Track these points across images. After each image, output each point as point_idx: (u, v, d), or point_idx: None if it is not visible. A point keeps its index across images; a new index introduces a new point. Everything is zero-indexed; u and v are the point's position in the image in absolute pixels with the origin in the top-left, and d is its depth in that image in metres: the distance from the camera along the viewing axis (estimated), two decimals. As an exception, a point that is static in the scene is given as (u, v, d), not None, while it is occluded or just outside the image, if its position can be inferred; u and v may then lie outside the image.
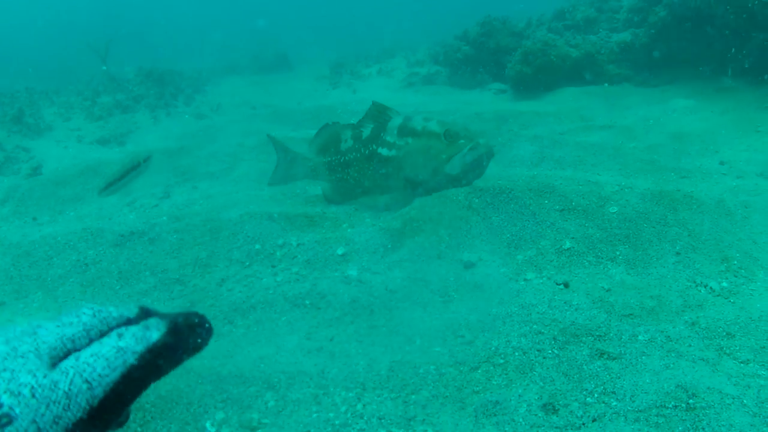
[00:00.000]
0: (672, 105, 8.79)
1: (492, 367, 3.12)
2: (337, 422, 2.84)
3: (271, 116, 11.27)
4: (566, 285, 3.95)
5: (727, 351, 3.16)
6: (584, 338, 3.29)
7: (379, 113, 5.34)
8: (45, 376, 0.82)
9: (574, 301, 3.69)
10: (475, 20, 13.14)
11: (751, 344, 3.20)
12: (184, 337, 0.96)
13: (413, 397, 2.96)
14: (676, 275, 4.02)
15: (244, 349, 3.51)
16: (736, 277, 3.99)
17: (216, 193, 6.62)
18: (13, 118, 10.41)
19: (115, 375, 0.86)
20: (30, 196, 7.36)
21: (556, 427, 2.70)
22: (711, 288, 3.86)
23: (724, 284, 3.89)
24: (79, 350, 0.89)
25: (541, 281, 4.04)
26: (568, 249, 4.35)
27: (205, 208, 5.79)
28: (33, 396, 0.79)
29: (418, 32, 21.39)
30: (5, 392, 0.78)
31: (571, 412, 2.76)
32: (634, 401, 2.78)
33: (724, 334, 3.30)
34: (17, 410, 0.77)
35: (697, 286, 3.90)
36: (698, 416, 2.64)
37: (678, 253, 4.24)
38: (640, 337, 3.29)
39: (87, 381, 0.83)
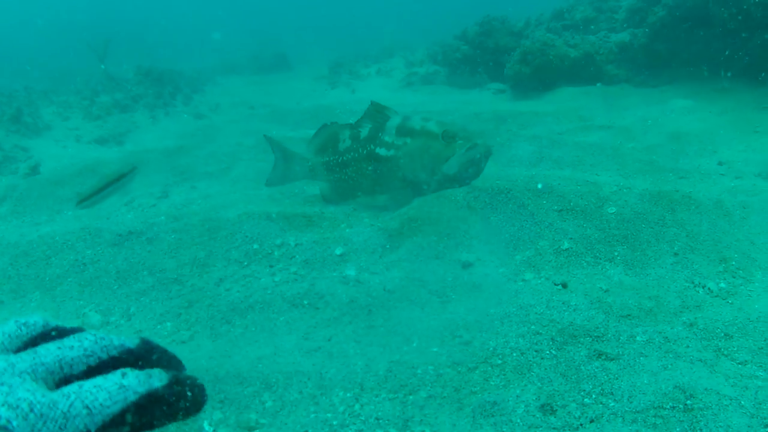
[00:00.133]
0: (670, 105, 8.79)
1: (490, 368, 3.12)
2: (335, 423, 2.84)
3: (270, 116, 11.27)
4: (564, 285, 3.95)
5: (725, 352, 3.16)
6: (582, 339, 3.29)
7: (377, 113, 5.33)
8: (44, 395, 0.82)
9: (572, 301, 3.69)
10: (474, 20, 13.15)
11: (749, 345, 3.20)
12: (183, 396, 0.98)
13: (411, 397, 2.96)
14: (674, 276, 4.02)
15: (242, 349, 3.51)
16: (734, 277, 3.99)
17: (214, 193, 6.61)
18: (12, 118, 10.40)
19: (115, 408, 0.87)
20: (28, 196, 7.35)
21: (554, 428, 2.70)
22: (709, 289, 3.86)
23: (722, 285, 3.90)
24: (76, 375, 0.91)
25: (539, 282, 4.04)
26: (566, 249, 4.35)
27: (204, 207, 5.78)
28: (31, 411, 0.79)
29: (416, 32, 21.40)
30: (3, 405, 0.78)
31: (569, 412, 2.76)
32: (631, 402, 2.78)
33: (722, 335, 3.31)
34: (14, 423, 0.78)
35: (695, 286, 3.90)
36: (696, 417, 2.64)
37: (676, 254, 4.24)
38: (638, 338, 3.29)
39: (87, 407, 0.84)
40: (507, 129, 8.29)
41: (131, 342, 0.99)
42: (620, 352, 3.16)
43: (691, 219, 4.62)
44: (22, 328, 0.98)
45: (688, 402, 2.72)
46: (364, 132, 5.38)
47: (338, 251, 4.48)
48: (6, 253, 5.04)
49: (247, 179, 7.07)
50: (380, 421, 2.82)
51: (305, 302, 3.89)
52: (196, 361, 3.39)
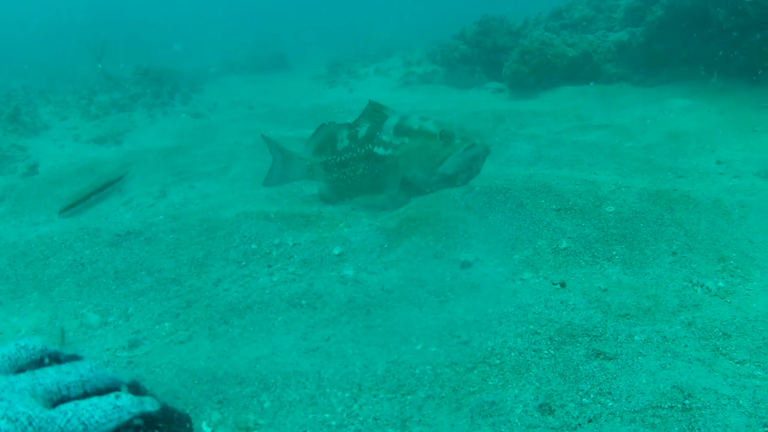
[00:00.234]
0: (669, 104, 8.79)
1: (488, 368, 3.12)
2: (333, 423, 2.84)
3: (268, 115, 11.27)
4: (563, 285, 3.95)
5: (724, 351, 3.16)
6: (580, 338, 3.29)
7: (375, 112, 5.33)
8: (42, 411, 0.83)
9: (571, 301, 3.69)
10: (473, 19, 13.15)
11: (748, 344, 3.20)
12: (173, 420, 1.00)
13: (409, 397, 2.96)
14: (673, 275, 4.02)
15: (240, 349, 3.51)
16: (732, 276, 3.99)
17: (212, 193, 6.61)
18: (10, 117, 10.40)
19: (110, 425, 0.89)
20: (26, 196, 7.35)
21: (552, 428, 2.70)
22: (707, 288, 3.86)
23: (721, 284, 3.89)
24: (73, 398, 0.93)
25: (537, 281, 4.04)
26: (564, 249, 4.34)
27: (202, 207, 5.78)
28: (30, 424, 0.80)
29: (415, 31, 21.39)
30: (3, 417, 0.79)
31: (567, 412, 2.76)
32: (630, 402, 2.77)
33: (721, 334, 3.30)
34: None
35: (693, 285, 3.90)
36: (694, 417, 2.64)
37: (674, 253, 4.24)
38: (636, 338, 3.29)
39: (83, 423, 0.86)
40: (505, 128, 8.29)
41: (125, 377, 1.04)
42: (618, 352, 3.16)
43: (690, 218, 4.62)
44: (22, 351, 1.00)
45: (687, 401, 2.72)
46: (362, 132, 5.38)
47: (336, 251, 4.48)
48: (4, 254, 5.04)
49: (245, 179, 7.06)
50: (378, 421, 2.82)
51: (303, 302, 3.89)
52: (194, 361, 3.39)
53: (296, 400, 3.01)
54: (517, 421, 2.74)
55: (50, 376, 0.94)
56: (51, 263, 4.83)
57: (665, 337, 3.29)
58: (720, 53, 8.94)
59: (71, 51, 18.76)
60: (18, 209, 6.96)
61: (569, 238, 4.44)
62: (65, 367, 0.97)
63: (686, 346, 3.21)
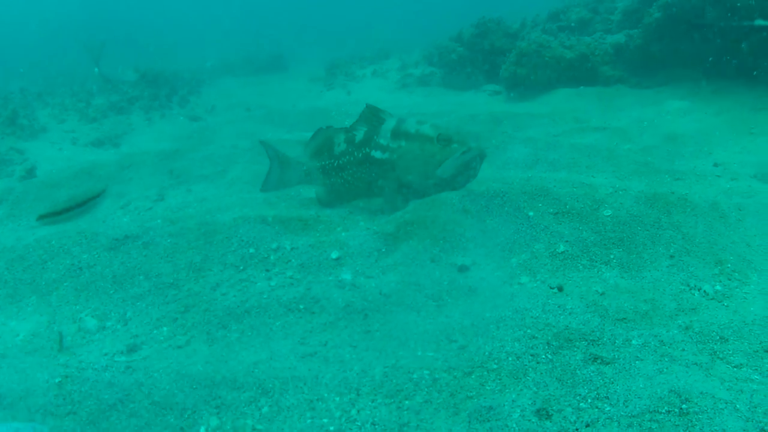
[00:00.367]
0: (666, 106, 8.81)
1: (486, 372, 3.12)
2: (331, 428, 2.84)
3: (266, 118, 11.27)
4: (560, 289, 3.95)
5: (721, 355, 3.17)
6: (578, 343, 3.30)
7: (372, 116, 5.34)
8: None
9: (568, 305, 3.69)
10: (470, 21, 13.16)
11: (745, 348, 3.21)
12: None
13: (407, 402, 2.96)
14: (670, 279, 4.03)
15: (238, 354, 3.51)
16: (729, 280, 4.00)
17: (210, 196, 6.61)
18: (7, 120, 10.39)
19: None
20: (24, 199, 7.34)
21: (550, 433, 2.71)
22: (705, 291, 3.86)
23: (718, 288, 3.90)
24: None
25: (535, 285, 4.05)
26: (562, 252, 4.35)
27: (200, 211, 5.78)
28: None
29: (412, 33, 21.41)
30: None
31: (565, 417, 2.77)
32: (627, 406, 2.78)
33: (718, 338, 3.31)
34: None
35: (690, 289, 3.91)
36: (691, 421, 2.65)
37: (672, 257, 4.24)
38: (633, 342, 3.30)
39: None
40: (502, 131, 8.29)
41: None
42: (616, 356, 3.17)
43: (687, 221, 4.63)
44: None
45: (684, 406, 2.73)
46: (360, 135, 5.38)
47: (334, 255, 4.48)
48: (2, 258, 5.03)
49: (242, 182, 7.06)
50: (376, 426, 2.82)
51: (301, 307, 3.89)
52: (192, 366, 3.39)
53: (294, 405, 3.01)
54: (514, 425, 2.75)
55: None
56: (49, 267, 4.82)
57: (662, 341, 3.30)
58: (725, 53, 8.94)
59: (69, 53, 18.76)
60: (16, 212, 6.95)
61: (567, 241, 4.45)
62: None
63: (683, 350, 3.22)
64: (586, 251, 4.35)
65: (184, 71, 16.36)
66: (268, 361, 3.38)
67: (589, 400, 2.85)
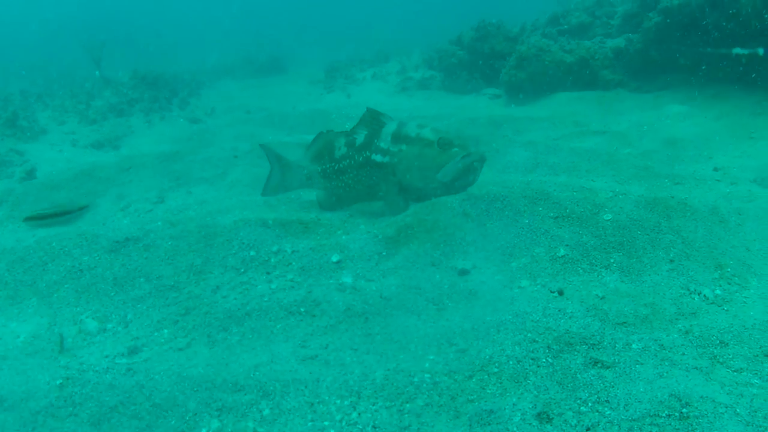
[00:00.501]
0: (666, 111, 8.82)
1: (486, 376, 3.13)
2: (332, 431, 2.85)
3: (266, 120, 11.28)
4: (560, 293, 3.96)
5: (721, 359, 3.18)
6: (578, 347, 3.30)
7: (373, 119, 5.35)
8: None
9: (569, 309, 3.70)
10: (470, 25, 13.18)
11: (745, 353, 3.22)
12: None
13: (408, 405, 2.96)
14: (670, 283, 4.04)
15: (239, 356, 3.51)
16: (729, 284, 4.01)
17: (210, 199, 6.62)
18: (7, 122, 10.40)
19: None
20: (24, 201, 7.35)
21: (551, 437, 2.71)
22: (705, 296, 3.87)
23: (718, 292, 3.91)
24: None
25: (535, 289, 4.05)
26: (562, 256, 4.36)
27: (200, 213, 5.79)
28: None
29: (412, 36, 21.45)
30: None
31: (565, 421, 2.77)
32: (627, 410, 2.79)
33: (718, 342, 3.32)
34: None
35: (690, 293, 3.92)
36: (692, 425, 2.65)
37: (672, 261, 4.25)
38: (633, 346, 3.30)
39: None
40: (502, 134, 8.31)
41: None
42: (616, 360, 3.17)
43: (687, 225, 4.64)
44: None
45: (684, 410, 2.74)
46: (360, 139, 5.40)
47: (335, 258, 4.49)
48: (2, 259, 5.04)
49: (242, 184, 7.07)
50: (377, 429, 2.83)
51: (302, 310, 3.90)
52: (193, 368, 3.40)
53: (295, 408, 3.02)
54: (515, 429, 2.75)
55: None
56: (50, 269, 4.82)
57: (663, 345, 3.30)
58: (725, 58, 8.95)
59: (69, 54, 18.77)
60: (16, 214, 6.95)
61: (567, 245, 4.45)
62: None
63: (684, 354, 3.23)
64: (587, 255, 4.36)
65: (184, 73, 16.38)
66: (269, 364, 3.38)
67: (590, 404, 2.86)
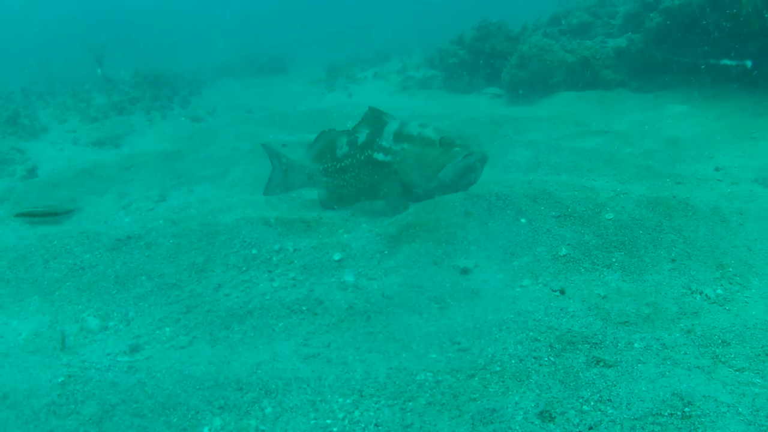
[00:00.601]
0: (667, 110, 8.83)
1: (489, 375, 3.13)
2: (334, 429, 2.85)
3: (267, 119, 11.28)
4: (562, 292, 3.96)
5: (723, 359, 3.18)
6: (580, 345, 3.30)
7: (375, 118, 5.35)
8: None
9: (570, 308, 3.70)
10: (471, 24, 13.18)
11: (747, 352, 3.22)
12: None
13: (410, 404, 2.96)
14: (672, 282, 4.04)
15: (241, 354, 3.51)
16: (731, 284, 4.01)
17: (212, 197, 6.62)
18: (9, 120, 10.41)
19: None
20: (25, 199, 7.35)
21: (553, 435, 2.71)
22: (706, 295, 3.87)
23: (720, 291, 3.91)
24: None
25: (537, 288, 4.05)
26: (564, 255, 4.36)
27: (201, 212, 5.79)
28: None
29: (413, 36, 21.45)
30: None
31: (568, 419, 2.77)
32: (630, 409, 2.79)
33: (720, 341, 3.32)
34: None
35: (692, 293, 3.92)
36: (694, 424, 2.65)
37: (673, 260, 4.25)
38: (635, 345, 3.30)
39: None
40: (504, 134, 8.31)
41: None
42: (618, 359, 3.17)
43: (689, 225, 4.64)
44: None
45: (686, 409, 2.74)
46: (362, 138, 5.40)
47: (336, 257, 4.49)
48: (4, 257, 5.04)
49: (244, 183, 7.08)
50: (380, 427, 2.83)
51: (304, 308, 3.90)
52: (195, 366, 3.39)
53: (297, 406, 3.02)
54: (517, 428, 2.75)
55: None
56: (51, 267, 4.83)
57: (665, 344, 3.30)
58: (726, 58, 8.95)
59: (70, 53, 18.77)
60: (17, 212, 6.95)
61: (569, 245, 4.45)
62: None
63: (686, 353, 3.23)
64: (588, 254, 4.36)
65: (185, 72, 16.38)
66: (271, 362, 3.38)
67: (592, 403, 2.86)
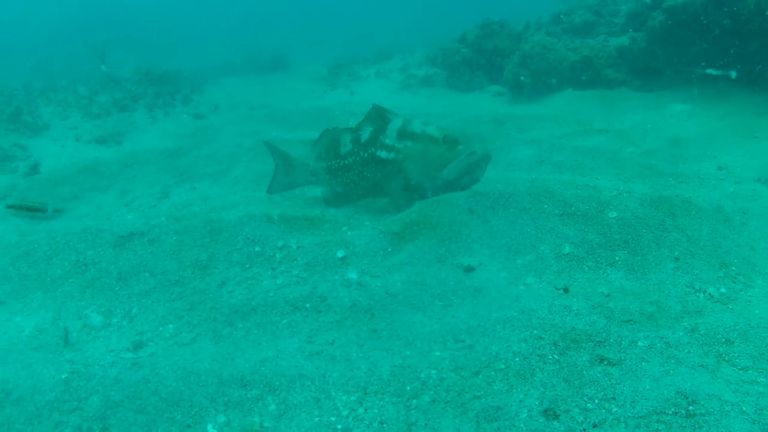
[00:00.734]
0: (669, 109, 8.82)
1: (493, 372, 3.13)
2: (339, 426, 2.85)
3: (269, 117, 11.28)
4: (566, 290, 3.96)
5: (726, 357, 3.18)
6: (584, 344, 3.30)
7: (378, 116, 5.35)
8: None
9: (574, 306, 3.70)
10: (473, 23, 13.17)
11: (750, 351, 3.22)
12: None
13: (414, 401, 2.97)
14: (675, 281, 4.04)
15: (245, 352, 3.51)
16: (734, 283, 4.01)
17: (214, 194, 6.62)
18: (11, 116, 10.41)
19: None
20: (28, 196, 7.35)
21: (557, 433, 2.71)
22: (710, 294, 3.87)
23: (723, 290, 3.91)
24: None
25: (540, 286, 4.05)
26: (567, 254, 4.36)
27: (204, 209, 5.79)
28: None
29: (416, 34, 21.43)
30: None
31: (572, 417, 2.77)
32: (634, 407, 2.79)
33: (723, 340, 3.32)
34: None
35: (695, 292, 3.91)
36: (698, 423, 2.65)
37: (677, 259, 4.25)
38: (639, 343, 3.30)
39: None
40: (506, 132, 8.31)
41: None
42: (622, 357, 3.17)
43: (692, 224, 4.64)
44: None
45: (690, 408, 2.74)
46: (365, 135, 5.40)
47: (340, 254, 4.49)
48: (7, 253, 5.04)
49: (246, 180, 7.08)
50: (384, 425, 2.83)
51: (307, 305, 3.90)
52: (199, 363, 3.40)
53: (302, 403, 3.02)
54: (522, 425, 2.75)
55: None
56: (54, 263, 4.83)
57: (668, 343, 3.30)
58: (728, 57, 8.95)
59: (72, 51, 18.77)
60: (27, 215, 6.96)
61: (572, 243, 4.45)
62: None
63: (689, 352, 3.22)
64: (592, 253, 4.36)
65: (187, 70, 16.37)
66: (275, 359, 3.39)
67: (596, 401, 2.86)
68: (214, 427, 2.91)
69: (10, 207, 6.62)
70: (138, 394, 3.14)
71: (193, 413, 2.99)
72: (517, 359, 3.21)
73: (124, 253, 4.84)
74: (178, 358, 3.51)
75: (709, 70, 8.94)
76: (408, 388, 3.06)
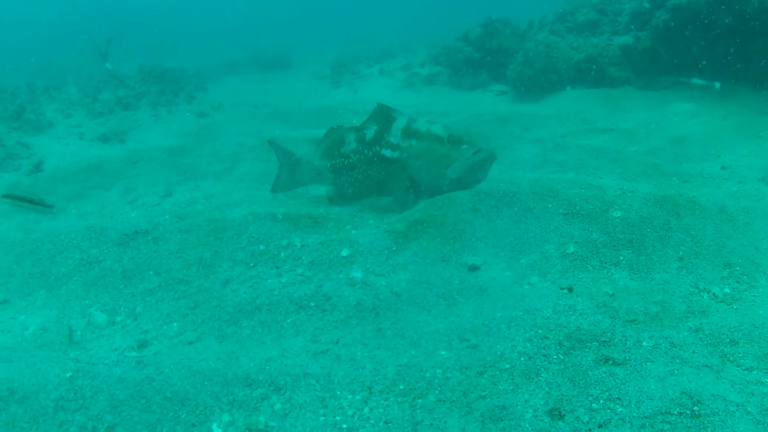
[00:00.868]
0: (673, 109, 8.81)
1: (498, 372, 3.13)
2: (344, 426, 2.85)
3: (272, 115, 11.29)
4: (570, 289, 3.96)
5: (731, 358, 3.18)
6: (589, 344, 3.30)
7: (383, 115, 5.35)
8: None
9: (579, 305, 3.70)
10: (477, 22, 13.17)
11: (755, 351, 3.21)
12: None
13: (420, 401, 2.97)
14: (680, 281, 4.03)
15: (249, 350, 3.52)
16: (738, 283, 4.01)
17: (218, 193, 6.62)
18: (14, 114, 10.41)
19: None
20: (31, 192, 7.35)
21: (562, 433, 2.71)
22: (714, 294, 3.87)
23: (727, 290, 3.91)
24: None
25: (545, 285, 4.05)
26: (571, 253, 4.36)
27: (208, 207, 5.79)
28: None
29: (419, 33, 21.44)
30: None
31: (577, 417, 2.77)
32: (639, 407, 2.79)
33: (728, 340, 3.32)
34: None
35: (700, 291, 3.91)
36: (703, 423, 2.65)
37: (681, 259, 4.25)
38: (644, 343, 3.30)
39: None
40: (510, 131, 8.31)
41: None
42: (627, 357, 3.17)
43: (696, 224, 4.63)
44: None
45: (695, 408, 2.73)
46: (370, 134, 5.40)
47: (344, 253, 4.49)
48: (11, 252, 5.05)
49: (250, 179, 7.08)
50: (389, 424, 2.83)
51: (312, 304, 3.90)
52: (203, 362, 3.40)
53: (307, 403, 3.02)
54: (527, 425, 2.75)
55: None
56: (58, 262, 4.84)
57: (673, 343, 3.30)
58: (732, 56, 8.94)
59: (76, 48, 18.78)
60: (23, 207, 6.96)
61: (576, 242, 4.45)
62: None
63: (694, 352, 3.22)
64: (596, 252, 4.36)
65: (190, 68, 16.38)
66: (280, 358, 3.39)
67: (602, 401, 2.86)
68: (219, 426, 2.91)
69: (6, 196, 6.66)
70: (143, 392, 3.14)
71: (197, 412, 2.99)
72: (522, 359, 3.21)
73: (129, 252, 4.84)
74: (183, 356, 3.51)
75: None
76: (413, 387, 3.06)
